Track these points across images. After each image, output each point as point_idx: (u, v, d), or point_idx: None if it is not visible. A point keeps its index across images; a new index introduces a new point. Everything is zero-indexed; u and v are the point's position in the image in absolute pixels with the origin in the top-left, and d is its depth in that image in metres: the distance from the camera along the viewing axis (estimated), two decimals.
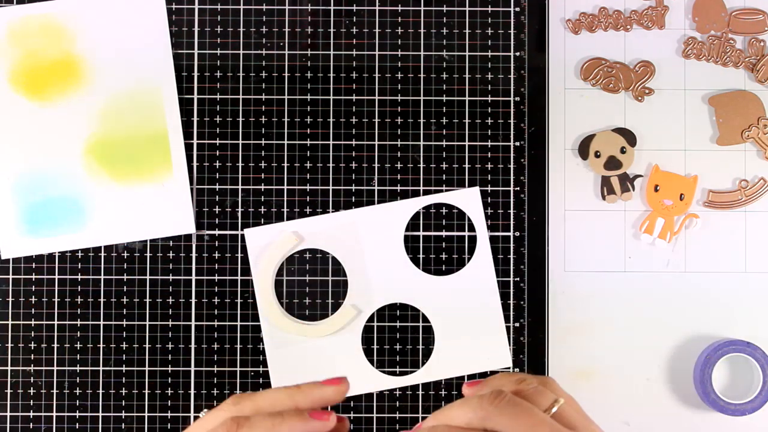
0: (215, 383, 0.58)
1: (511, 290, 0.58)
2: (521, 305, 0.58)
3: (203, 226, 0.58)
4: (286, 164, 0.58)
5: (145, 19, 0.58)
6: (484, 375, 0.57)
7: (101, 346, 0.57)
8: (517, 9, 0.59)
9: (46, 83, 0.58)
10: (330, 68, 0.58)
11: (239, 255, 0.58)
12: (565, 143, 0.59)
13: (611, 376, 0.58)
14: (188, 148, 0.58)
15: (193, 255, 0.58)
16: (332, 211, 0.58)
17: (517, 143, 0.58)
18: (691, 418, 0.58)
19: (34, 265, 0.58)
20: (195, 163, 0.58)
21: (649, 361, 0.58)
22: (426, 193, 0.58)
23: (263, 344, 0.57)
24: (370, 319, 0.58)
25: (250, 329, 0.58)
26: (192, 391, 0.58)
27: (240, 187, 0.58)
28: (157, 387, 0.57)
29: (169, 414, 0.57)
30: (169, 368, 0.57)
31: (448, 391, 0.57)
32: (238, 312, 0.58)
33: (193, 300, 0.58)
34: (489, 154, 0.58)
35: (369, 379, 0.57)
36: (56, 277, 0.58)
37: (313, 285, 0.58)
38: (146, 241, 0.58)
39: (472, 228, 0.58)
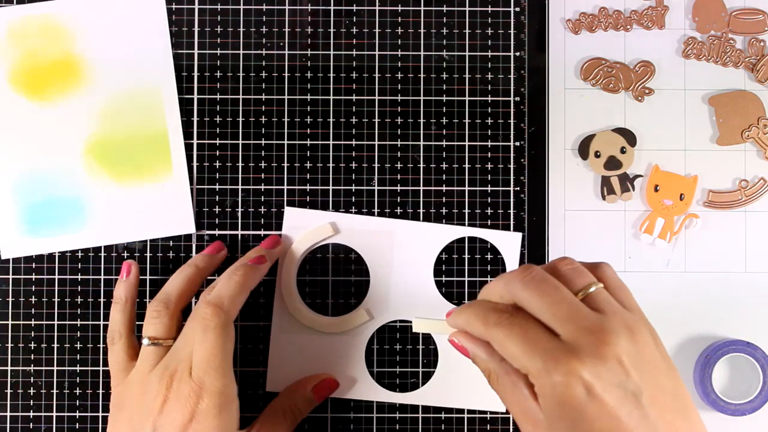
0: None
1: None
2: None
3: (203, 226, 0.58)
4: (286, 164, 0.58)
5: (145, 19, 0.58)
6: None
7: (101, 346, 0.57)
8: (517, 9, 0.59)
9: (46, 83, 0.58)
10: (330, 68, 0.58)
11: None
12: (565, 143, 0.59)
13: None
14: (188, 148, 0.58)
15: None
16: (354, 213, 0.58)
17: (517, 143, 0.58)
18: None
19: (34, 265, 0.58)
20: (195, 163, 0.58)
21: None
22: (426, 193, 0.58)
23: (263, 344, 0.57)
24: (381, 330, 0.58)
25: (249, 329, 0.58)
26: None
27: (240, 187, 0.58)
28: None
29: None
30: None
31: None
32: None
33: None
34: (489, 154, 0.58)
35: (365, 388, 0.57)
36: (56, 277, 0.58)
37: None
38: (146, 241, 0.58)
39: (504, 268, 0.58)
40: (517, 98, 0.59)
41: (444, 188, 0.58)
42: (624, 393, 0.37)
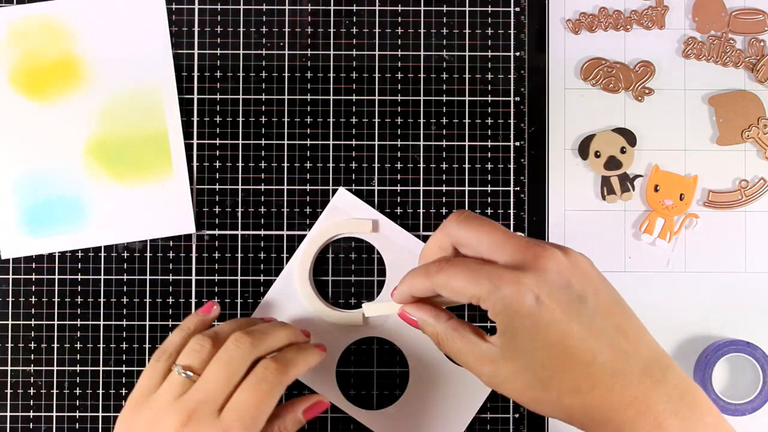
0: None
1: None
2: None
3: (203, 226, 0.58)
4: (286, 164, 0.58)
5: (145, 19, 0.58)
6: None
7: (101, 346, 0.57)
8: (517, 9, 0.59)
9: (46, 83, 0.58)
10: (330, 68, 0.58)
11: (239, 255, 0.58)
12: (565, 143, 0.59)
13: None
14: (188, 148, 0.58)
15: (193, 255, 0.58)
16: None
17: (517, 143, 0.58)
18: None
19: (34, 265, 0.58)
20: (195, 163, 0.58)
21: None
22: (426, 193, 0.58)
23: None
24: (368, 340, 0.57)
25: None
26: None
27: (240, 187, 0.58)
28: None
29: None
30: None
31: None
32: (238, 312, 0.58)
33: (193, 300, 0.58)
34: (489, 154, 0.58)
35: (331, 394, 0.57)
36: (56, 277, 0.58)
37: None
38: (146, 241, 0.58)
39: None
40: (517, 98, 0.59)
41: (444, 188, 0.58)
42: (570, 297, 0.39)
